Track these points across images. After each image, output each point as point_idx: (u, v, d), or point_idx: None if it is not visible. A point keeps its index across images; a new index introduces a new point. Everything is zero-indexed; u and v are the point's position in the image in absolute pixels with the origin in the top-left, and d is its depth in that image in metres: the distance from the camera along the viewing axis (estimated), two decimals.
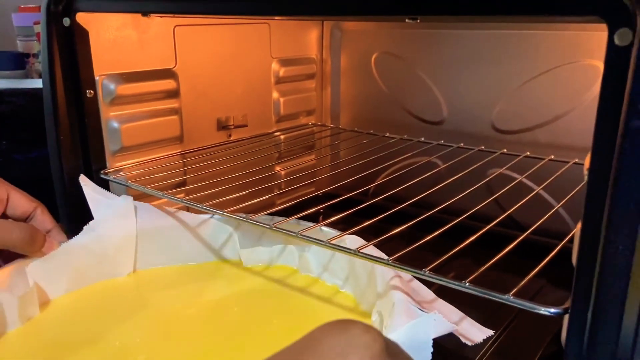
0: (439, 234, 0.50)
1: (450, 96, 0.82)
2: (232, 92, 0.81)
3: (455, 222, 0.52)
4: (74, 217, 0.65)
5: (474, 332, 0.44)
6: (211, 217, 0.62)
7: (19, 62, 1.45)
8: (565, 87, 0.71)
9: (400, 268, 0.44)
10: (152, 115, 0.70)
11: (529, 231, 0.51)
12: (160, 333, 0.52)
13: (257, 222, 0.54)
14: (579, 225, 0.33)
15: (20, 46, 1.53)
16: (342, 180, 0.68)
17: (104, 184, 0.67)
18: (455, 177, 0.67)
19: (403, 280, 0.49)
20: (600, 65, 0.68)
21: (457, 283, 0.39)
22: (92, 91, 0.64)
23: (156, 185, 0.64)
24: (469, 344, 0.42)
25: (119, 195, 0.68)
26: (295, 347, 0.23)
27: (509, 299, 0.37)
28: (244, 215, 0.55)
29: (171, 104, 0.73)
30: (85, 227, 0.58)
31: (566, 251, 0.46)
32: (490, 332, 0.44)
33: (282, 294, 0.58)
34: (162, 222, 0.61)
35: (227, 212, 0.56)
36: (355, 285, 0.57)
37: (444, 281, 0.40)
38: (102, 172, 0.66)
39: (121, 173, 0.67)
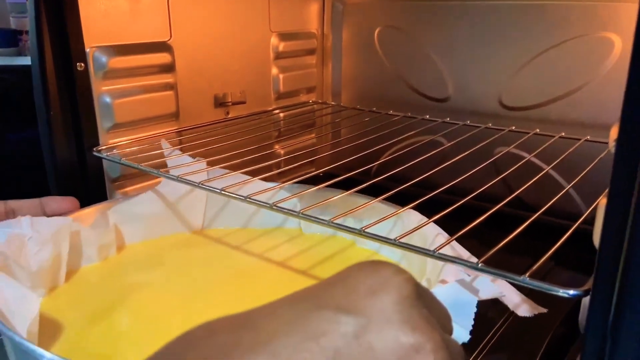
0: (445, 214, 0.48)
1: (456, 72, 0.79)
2: (230, 67, 0.78)
3: (461, 202, 0.50)
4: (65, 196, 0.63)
5: (524, 306, 0.41)
6: (278, 188, 0.61)
7: (12, 40, 1.42)
8: (577, 61, 0.68)
9: (408, 249, 0.41)
10: (146, 90, 0.68)
11: (540, 212, 0.48)
12: (223, 287, 0.54)
13: (254, 200, 0.51)
14: (603, 201, 0.31)
15: (13, 23, 1.50)
16: (344, 159, 0.66)
17: (97, 162, 0.64)
18: (460, 156, 0.65)
19: (456, 251, 0.46)
20: (614, 38, 0.65)
21: (470, 263, 0.37)
22: (82, 64, 0.61)
23: (151, 162, 0.61)
24: (519, 314, 0.40)
25: (112, 173, 0.66)
26: (326, 282, 0.23)
27: (525, 280, 0.34)
28: (241, 191, 0.53)
29: (166, 78, 0.70)
30: (162, 181, 0.62)
31: (574, 232, 0.44)
32: (544, 310, 0.42)
33: (339, 265, 0.57)
34: (239, 186, 0.59)
35: (225, 190, 0.53)
36: (411, 259, 0.56)
37: (457, 261, 0.38)
38: (94, 149, 0.63)
39: (115, 151, 0.64)
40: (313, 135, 0.90)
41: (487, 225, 0.46)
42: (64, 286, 0.52)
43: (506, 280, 0.37)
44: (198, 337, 0.21)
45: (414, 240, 0.52)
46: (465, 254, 0.46)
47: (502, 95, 0.75)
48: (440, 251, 0.40)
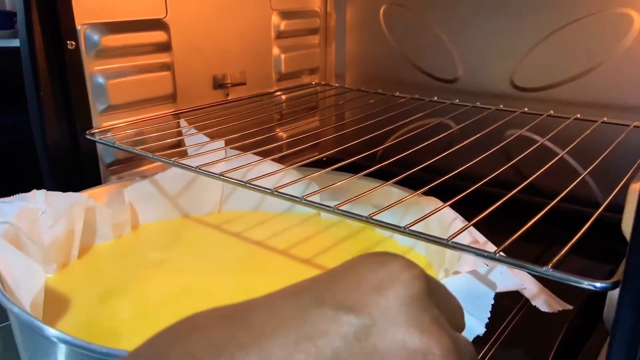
0: (457, 200, 0.45)
1: (466, 51, 0.76)
2: (229, 47, 0.75)
3: (472, 188, 0.47)
4: (58, 181, 0.61)
5: (547, 300, 0.39)
6: (291, 168, 0.60)
7: (7, 22, 1.39)
8: (594, 38, 0.66)
9: (420, 237, 0.39)
10: (141, 71, 0.65)
11: (557, 199, 0.46)
12: (236, 269, 0.54)
13: (257, 186, 0.49)
14: (634, 186, 0.28)
15: (8, 4, 1.47)
16: (348, 143, 0.63)
17: (91, 146, 0.62)
18: (470, 139, 0.62)
19: (473, 237, 0.45)
20: (633, 14, 0.62)
21: (487, 253, 0.34)
22: (73, 42, 0.58)
23: (147, 146, 0.59)
24: (541, 309, 0.39)
25: (107, 158, 0.64)
26: (329, 274, 0.21)
27: (548, 271, 0.32)
28: (252, 172, 0.50)
29: (162, 58, 0.67)
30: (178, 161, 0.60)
31: (586, 218, 0.42)
32: (569, 307, 0.40)
33: (351, 250, 0.57)
34: (247, 168, 0.58)
35: (223, 175, 0.51)
36: (427, 246, 0.55)
37: (472, 251, 0.35)
38: (87, 132, 0.61)
39: (109, 134, 0.62)
40: (316, 118, 0.87)
41: (496, 212, 0.43)
42: (76, 262, 0.52)
43: (526, 271, 0.34)
44: (185, 330, 0.19)
45: (432, 224, 0.50)
46: (482, 239, 0.43)
47: (514, 76, 0.73)
48: (457, 238, 0.37)
